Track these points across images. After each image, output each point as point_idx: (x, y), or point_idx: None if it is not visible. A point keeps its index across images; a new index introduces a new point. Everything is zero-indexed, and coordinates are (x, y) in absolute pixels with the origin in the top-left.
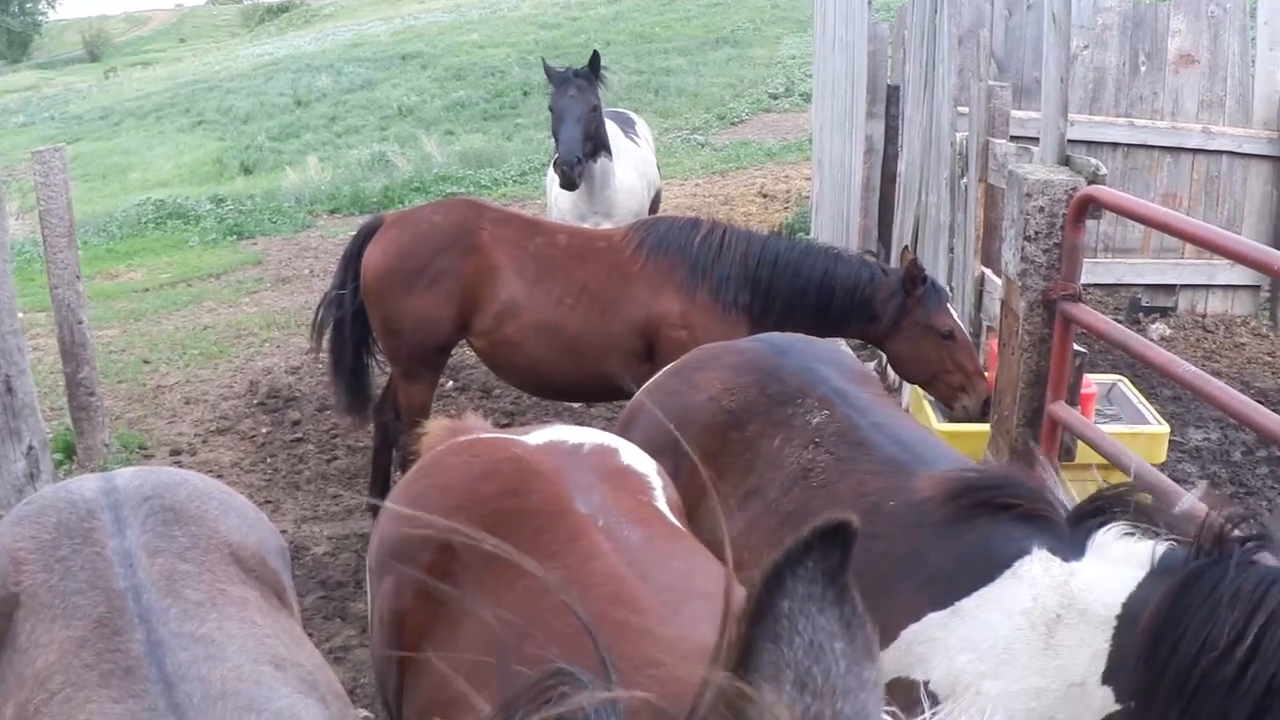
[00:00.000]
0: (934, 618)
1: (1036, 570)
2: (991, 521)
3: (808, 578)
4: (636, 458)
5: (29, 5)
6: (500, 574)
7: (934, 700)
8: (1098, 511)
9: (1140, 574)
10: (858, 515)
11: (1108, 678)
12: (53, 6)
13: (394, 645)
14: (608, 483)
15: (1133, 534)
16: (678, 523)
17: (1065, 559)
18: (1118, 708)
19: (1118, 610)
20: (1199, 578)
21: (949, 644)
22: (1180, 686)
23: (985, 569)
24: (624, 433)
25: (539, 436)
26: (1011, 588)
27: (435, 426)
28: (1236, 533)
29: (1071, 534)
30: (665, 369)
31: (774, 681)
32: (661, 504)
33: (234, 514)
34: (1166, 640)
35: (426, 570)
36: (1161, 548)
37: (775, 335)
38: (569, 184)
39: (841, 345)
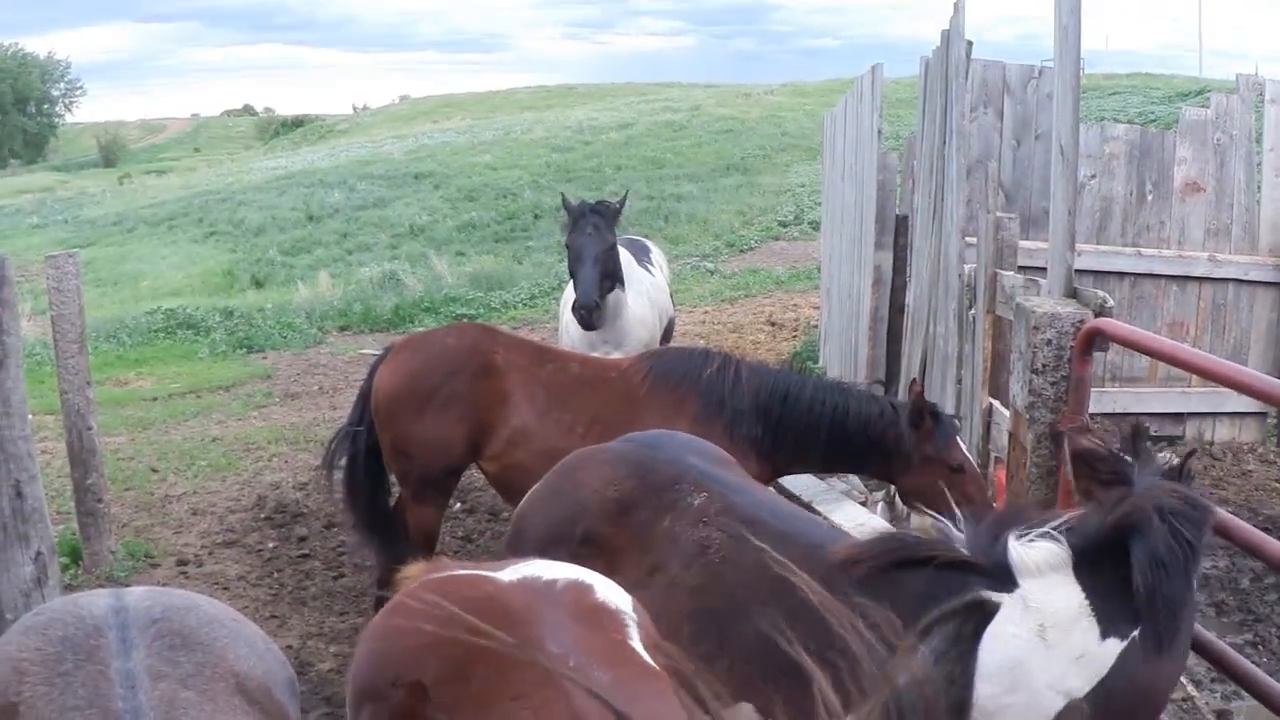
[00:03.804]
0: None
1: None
2: (919, 575)
3: (942, 636)
4: (611, 593)
5: (46, 107)
6: (470, 714)
7: None
8: (991, 533)
9: (1069, 569)
10: (771, 586)
11: (1104, 635)
12: (69, 110)
13: None
14: (580, 621)
15: (1026, 539)
16: (650, 660)
17: (1009, 591)
18: (1125, 643)
19: (1079, 599)
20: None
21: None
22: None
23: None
24: (518, 537)
25: (513, 572)
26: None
27: (414, 570)
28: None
29: (989, 565)
30: (546, 474)
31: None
32: (635, 641)
33: (243, 643)
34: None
35: (398, 709)
36: (1055, 544)
37: (642, 434)
38: (587, 326)
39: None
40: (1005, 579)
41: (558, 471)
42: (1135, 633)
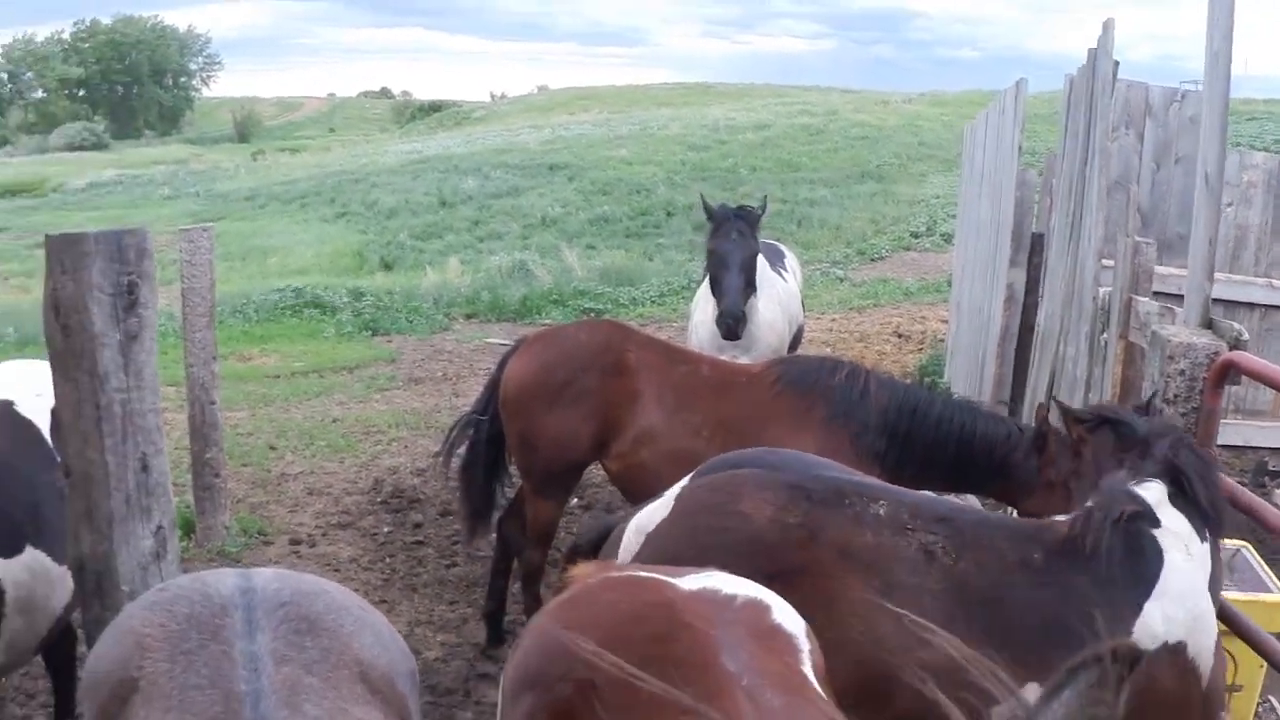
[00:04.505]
0: (1150, 606)
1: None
2: (1125, 535)
3: (1087, 682)
4: (788, 617)
5: (182, 80)
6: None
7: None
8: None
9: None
10: (1019, 575)
11: (1201, 540)
12: (206, 84)
13: None
14: (756, 641)
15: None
16: (821, 690)
17: (1158, 527)
18: (1207, 543)
19: (1184, 521)
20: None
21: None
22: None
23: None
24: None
25: (692, 582)
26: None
27: (585, 568)
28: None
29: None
30: (679, 512)
31: None
32: (808, 669)
33: (369, 632)
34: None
35: (563, 703)
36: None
37: (751, 455)
38: (732, 336)
39: None
40: (1154, 519)
41: (705, 508)
42: (1207, 531)
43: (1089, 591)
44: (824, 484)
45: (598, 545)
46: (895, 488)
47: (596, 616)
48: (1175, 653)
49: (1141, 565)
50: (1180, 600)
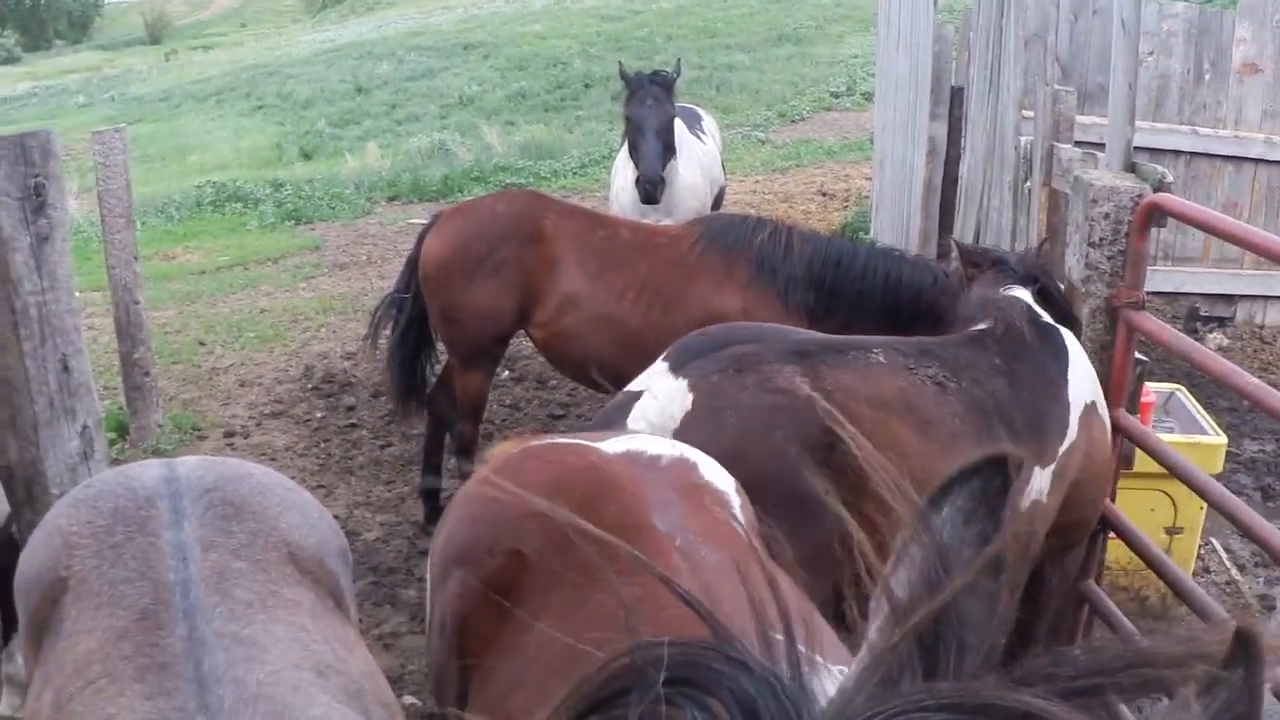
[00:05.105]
0: (1072, 374)
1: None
2: (1033, 325)
3: (967, 494)
4: (715, 473)
5: None
6: (572, 588)
7: None
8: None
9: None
10: (1000, 379)
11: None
12: None
13: (455, 651)
14: (686, 499)
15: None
16: (756, 543)
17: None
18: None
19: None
20: None
21: (1082, 372)
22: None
23: (1056, 335)
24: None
25: (616, 445)
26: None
27: (505, 445)
28: None
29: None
30: (709, 405)
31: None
32: (740, 524)
33: (296, 512)
34: None
35: (494, 576)
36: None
37: (713, 334)
38: (650, 200)
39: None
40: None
41: (737, 394)
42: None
43: (1037, 375)
44: (822, 346)
45: None
46: (860, 338)
47: (521, 486)
48: (1095, 408)
49: (1053, 345)
50: (1084, 364)
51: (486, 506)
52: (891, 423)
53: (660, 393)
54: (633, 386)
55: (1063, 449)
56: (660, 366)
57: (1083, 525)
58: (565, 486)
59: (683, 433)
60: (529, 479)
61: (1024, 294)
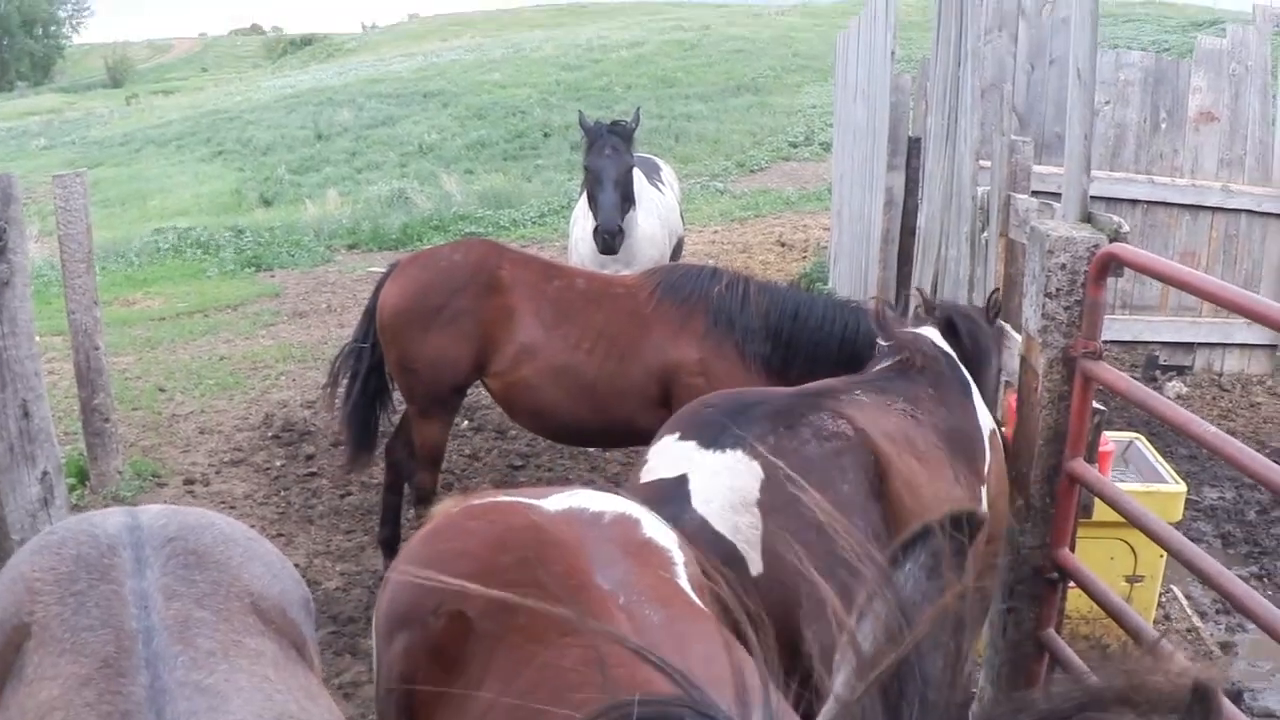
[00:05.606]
0: (975, 400)
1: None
2: (942, 358)
3: (929, 550)
4: (659, 530)
5: (53, 29)
6: (516, 648)
7: None
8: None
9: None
10: (938, 408)
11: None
12: (76, 30)
13: (403, 712)
14: (629, 557)
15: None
16: (699, 602)
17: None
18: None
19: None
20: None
21: (980, 400)
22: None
23: (957, 367)
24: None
25: (557, 502)
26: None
27: (450, 502)
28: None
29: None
30: (777, 470)
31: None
32: (684, 581)
33: (259, 562)
34: None
35: (437, 638)
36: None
37: (721, 398)
38: (609, 251)
39: None
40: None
41: (803, 451)
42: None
43: (957, 401)
44: (821, 392)
45: None
46: (828, 381)
47: (463, 546)
48: (995, 433)
49: (959, 373)
50: (978, 390)
51: (429, 567)
52: (904, 456)
53: (712, 469)
54: (656, 472)
55: (985, 469)
56: (684, 446)
57: (996, 540)
58: (506, 546)
59: (770, 500)
60: (470, 541)
61: (930, 331)
